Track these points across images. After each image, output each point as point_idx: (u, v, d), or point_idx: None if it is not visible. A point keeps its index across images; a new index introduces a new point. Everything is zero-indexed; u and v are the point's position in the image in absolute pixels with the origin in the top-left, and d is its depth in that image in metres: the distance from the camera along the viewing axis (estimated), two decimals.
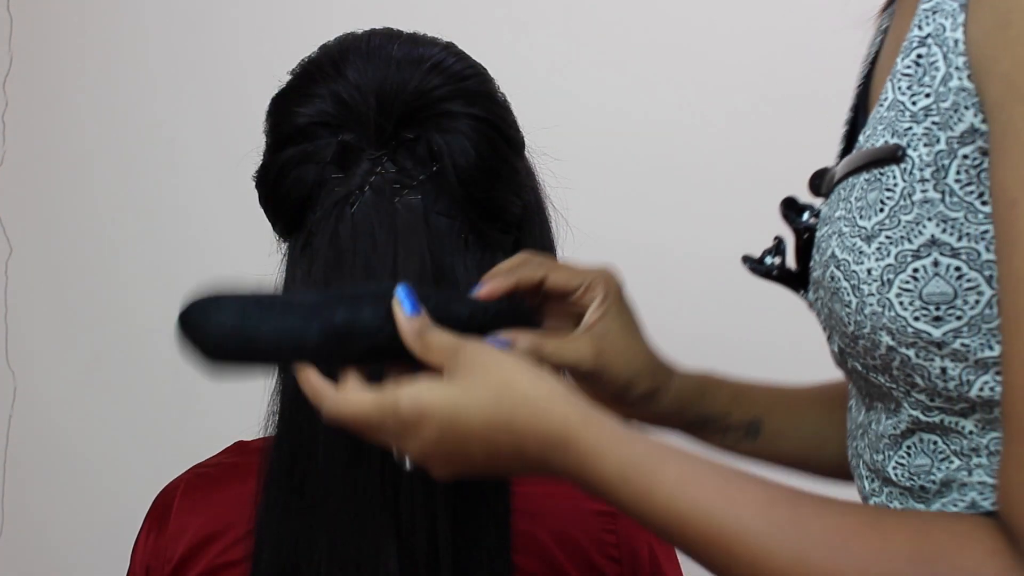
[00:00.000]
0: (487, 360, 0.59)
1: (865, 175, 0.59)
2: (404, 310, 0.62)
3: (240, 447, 0.86)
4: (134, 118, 1.60)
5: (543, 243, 0.82)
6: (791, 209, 0.68)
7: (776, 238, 0.71)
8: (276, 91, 0.79)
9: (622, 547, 0.79)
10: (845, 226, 0.60)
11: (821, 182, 0.66)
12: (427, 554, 0.72)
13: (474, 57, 0.80)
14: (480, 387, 0.58)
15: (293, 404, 0.75)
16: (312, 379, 0.63)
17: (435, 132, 0.74)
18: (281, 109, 0.77)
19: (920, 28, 0.57)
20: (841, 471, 0.71)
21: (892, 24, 0.71)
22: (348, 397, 0.61)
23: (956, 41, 0.54)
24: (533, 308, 0.73)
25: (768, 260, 0.70)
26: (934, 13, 0.56)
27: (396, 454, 0.62)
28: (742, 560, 0.52)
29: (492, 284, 0.70)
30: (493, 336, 0.66)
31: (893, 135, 0.57)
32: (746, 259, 0.72)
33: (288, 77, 0.79)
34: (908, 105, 0.57)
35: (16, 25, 1.61)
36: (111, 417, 1.62)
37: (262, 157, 0.79)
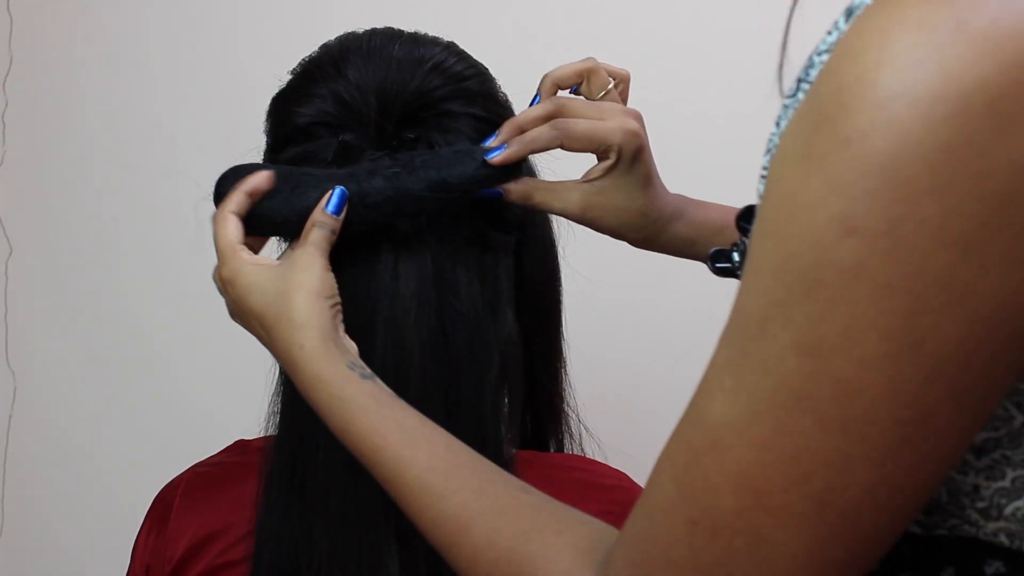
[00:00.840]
0: (294, 266, 0.68)
1: None
2: (327, 205, 0.70)
3: (241, 446, 0.85)
4: (134, 118, 1.60)
5: (543, 243, 0.82)
6: (746, 218, 0.66)
7: (741, 239, 0.70)
8: (276, 91, 0.79)
9: None
10: None
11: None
12: (429, 558, 0.71)
13: (475, 57, 0.80)
14: (275, 282, 0.68)
15: (294, 404, 0.75)
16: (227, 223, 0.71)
17: (436, 132, 0.74)
18: (281, 109, 0.77)
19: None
20: None
21: None
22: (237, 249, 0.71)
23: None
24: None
25: (736, 261, 0.70)
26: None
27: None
28: (408, 505, 0.61)
29: (507, 153, 0.72)
30: (489, 187, 0.71)
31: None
32: (715, 257, 0.73)
33: (288, 77, 0.79)
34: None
35: (16, 25, 1.61)
36: (111, 417, 1.62)
37: (262, 157, 0.79)
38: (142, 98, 1.59)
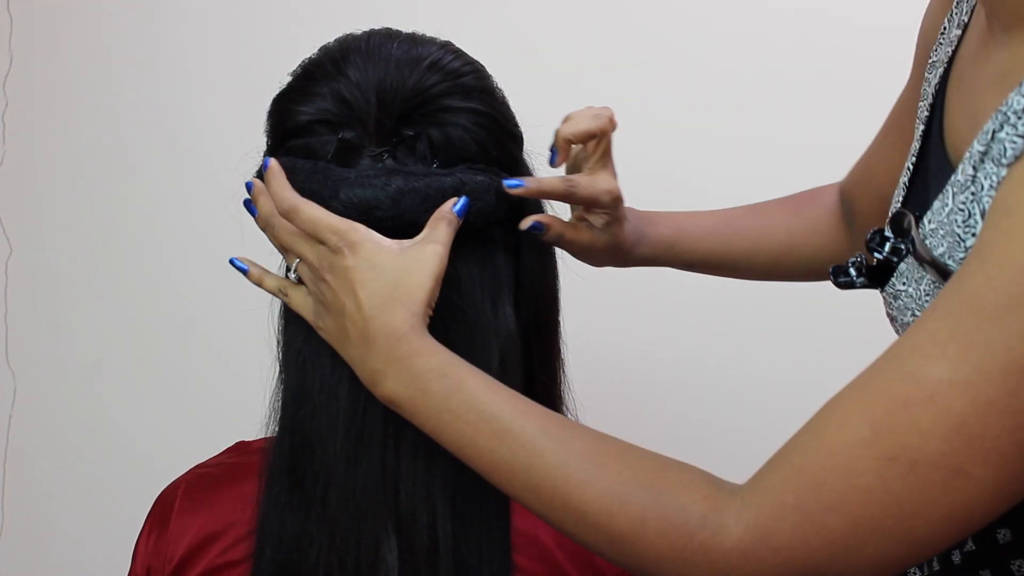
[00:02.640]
0: (423, 262, 0.71)
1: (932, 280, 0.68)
2: (456, 207, 0.74)
3: (241, 447, 0.86)
4: (134, 118, 1.60)
5: (541, 241, 0.82)
6: (873, 240, 0.77)
7: (859, 254, 0.79)
8: (277, 91, 0.79)
9: None
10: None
11: (901, 223, 0.75)
12: (427, 549, 0.72)
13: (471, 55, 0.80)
14: (400, 268, 0.71)
15: (295, 401, 0.75)
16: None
17: (434, 128, 0.74)
18: (282, 108, 0.78)
19: None
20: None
21: (974, 23, 0.74)
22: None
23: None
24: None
25: (853, 275, 0.79)
26: None
27: (291, 264, 0.75)
28: (518, 457, 0.64)
29: (524, 189, 0.77)
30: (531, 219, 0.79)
31: (950, 257, 0.65)
32: (836, 272, 0.81)
33: (288, 78, 0.79)
34: (964, 237, 0.64)
35: (16, 25, 1.61)
36: (111, 417, 1.62)
37: (263, 157, 0.80)
38: (142, 98, 1.59)
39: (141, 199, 1.60)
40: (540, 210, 0.83)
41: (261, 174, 0.79)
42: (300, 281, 0.75)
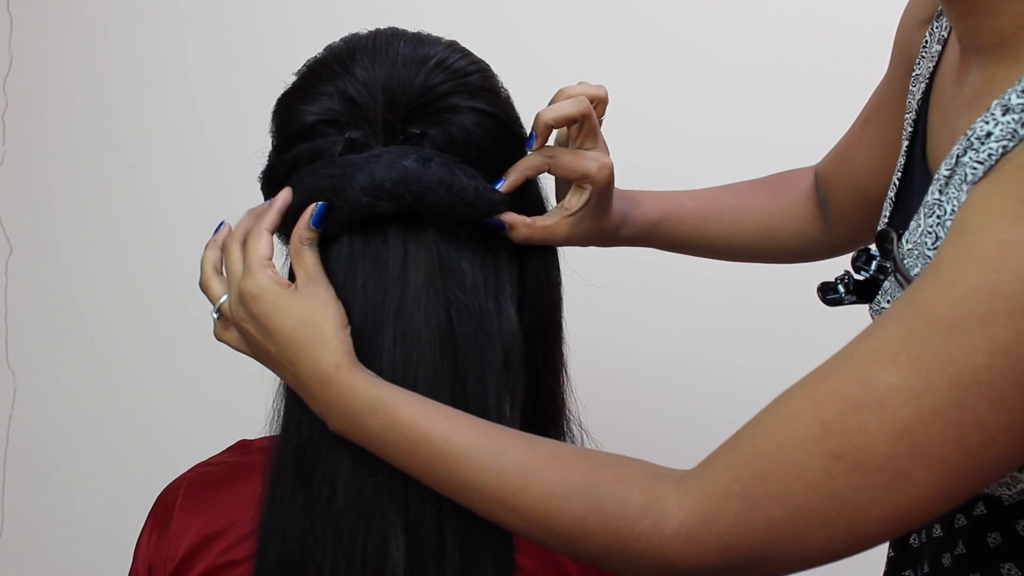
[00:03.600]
0: (317, 298, 0.73)
1: None
2: (307, 218, 0.74)
3: (243, 446, 0.86)
4: (134, 118, 1.60)
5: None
6: (859, 259, 0.79)
7: (846, 272, 0.81)
8: (281, 92, 0.79)
9: None
10: None
11: (884, 241, 0.76)
12: (434, 547, 0.72)
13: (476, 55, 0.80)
14: (303, 309, 0.72)
15: (296, 402, 0.75)
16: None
17: (440, 126, 0.74)
18: (288, 108, 0.77)
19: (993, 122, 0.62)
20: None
21: (952, 39, 0.75)
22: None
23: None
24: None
25: (842, 292, 0.82)
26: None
27: (219, 300, 0.76)
28: (457, 476, 0.67)
29: (508, 183, 0.78)
30: (495, 217, 0.78)
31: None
32: (824, 289, 0.84)
33: (294, 78, 0.79)
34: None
35: (16, 25, 1.61)
36: (111, 417, 1.62)
37: (268, 158, 0.79)
38: (142, 98, 1.59)
39: (141, 199, 1.60)
40: (541, 205, 0.83)
41: (267, 180, 0.79)
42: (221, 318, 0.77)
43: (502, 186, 0.77)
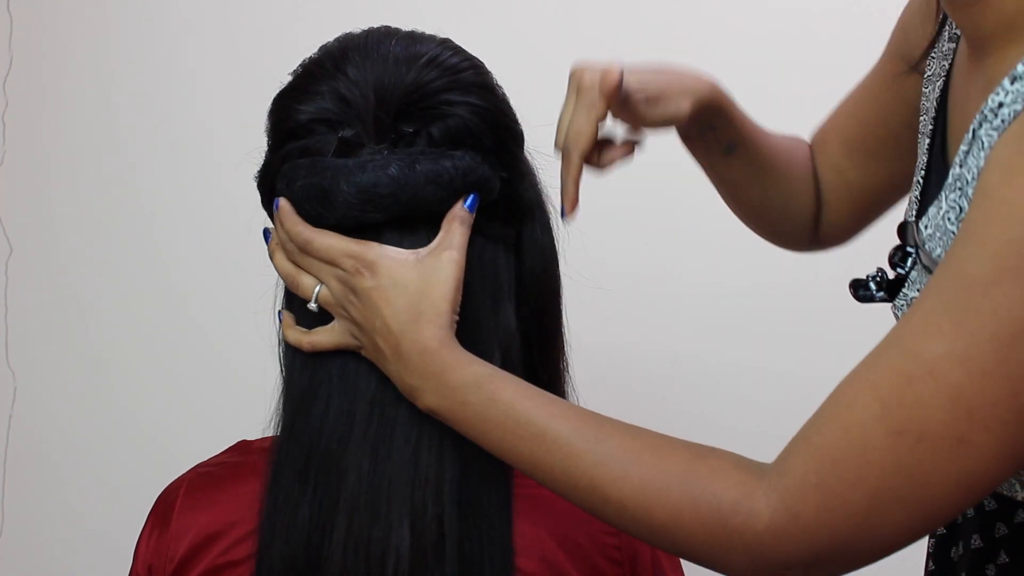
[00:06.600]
0: (440, 272, 0.73)
1: None
2: (466, 203, 0.75)
3: (243, 446, 0.86)
4: (134, 118, 1.60)
5: (544, 239, 0.82)
6: (895, 256, 0.79)
7: (879, 269, 0.81)
8: (277, 91, 0.79)
9: (623, 549, 0.80)
10: None
11: (905, 233, 0.78)
12: (435, 541, 0.72)
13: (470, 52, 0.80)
14: (420, 283, 0.72)
15: (307, 399, 0.76)
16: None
17: (433, 123, 0.74)
18: (283, 107, 0.78)
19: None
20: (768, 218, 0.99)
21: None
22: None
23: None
24: None
25: (873, 289, 0.82)
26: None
27: (314, 289, 0.75)
28: (556, 460, 0.67)
29: (569, 208, 0.79)
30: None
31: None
32: (855, 285, 0.84)
33: (289, 77, 0.79)
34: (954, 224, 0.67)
35: (16, 25, 1.61)
36: (111, 417, 1.62)
37: (263, 157, 0.80)
38: (142, 98, 1.59)
39: (141, 199, 1.60)
40: (540, 204, 0.83)
41: (262, 179, 0.79)
42: (322, 311, 0.76)
43: (569, 215, 0.79)
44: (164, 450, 1.48)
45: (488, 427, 0.69)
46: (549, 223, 0.83)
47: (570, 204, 0.79)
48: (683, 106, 0.83)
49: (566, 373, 0.86)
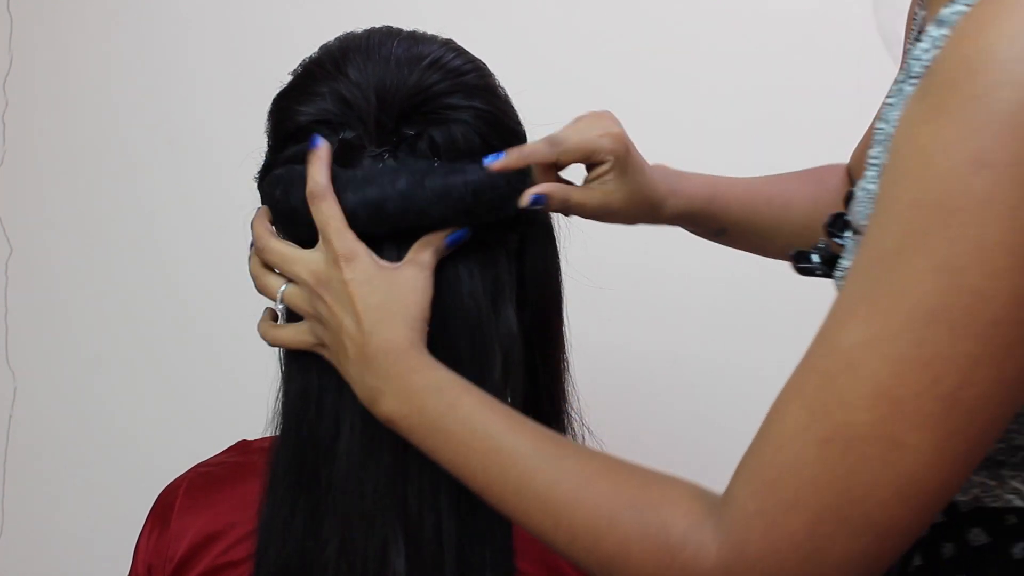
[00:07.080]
0: (417, 282, 0.72)
1: None
2: (448, 238, 0.74)
3: (243, 446, 0.86)
4: (134, 118, 1.60)
5: (545, 241, 0.82)
6: (834, 225, 0.74)
7: (824, 240, 0.76)
8: (278, 91, 0.79)
9: None
10: None
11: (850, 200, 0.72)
12: (433, 552, 0.72)
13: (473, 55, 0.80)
14: (395, 288, 0.71)
15: (302, 401, 0.75)
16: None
17: (436, 127, 0.74)
18: (283, 108, 0.77)
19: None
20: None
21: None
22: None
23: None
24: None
25: (815, 261, 0.77)
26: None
27: (279, 289, 0.75)
28: (510, 476, 0.64)
29: (503, 160, 0.75)
30: (536, 194, 0.76)
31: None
32: (797, 257, 0.79)
33: (289, 77, 0.79)
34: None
35: (16, 25, 1.61)
36: (111, 417, 1.62)
37: (264, 158, 0.79)
38: (142, 98, 1.59)
39: (141, 199, 1.60)
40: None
41: (262, 180, 0.79)
42: (289, 313, 0.75)
43: (495, 163, 0.74)
44: (164, 450, 1.48)
45: (444, 437, 0.67)
46: (552, 227, 0.83)
47: (506, 160, 0.75)
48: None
49: (566, 373, 0.85)
